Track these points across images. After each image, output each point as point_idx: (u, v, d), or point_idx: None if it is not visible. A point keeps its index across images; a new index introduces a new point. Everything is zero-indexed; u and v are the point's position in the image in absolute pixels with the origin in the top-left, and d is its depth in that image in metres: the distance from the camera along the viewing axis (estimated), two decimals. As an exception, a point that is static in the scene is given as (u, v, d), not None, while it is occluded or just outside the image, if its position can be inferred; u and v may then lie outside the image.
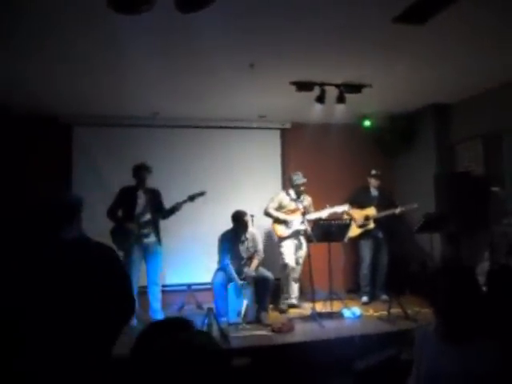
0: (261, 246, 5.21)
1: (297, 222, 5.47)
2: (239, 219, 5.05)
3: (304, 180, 5.51)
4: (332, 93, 5.06)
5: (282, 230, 5.55)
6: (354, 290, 6.26)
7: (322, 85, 4.98)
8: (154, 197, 5.00)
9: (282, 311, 5.41)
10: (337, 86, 5.03)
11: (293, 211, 5.53)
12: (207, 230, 5.67)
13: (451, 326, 1.86)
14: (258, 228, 5.57)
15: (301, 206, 5.39)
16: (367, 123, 6.56)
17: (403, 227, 5.96)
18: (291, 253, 5.53)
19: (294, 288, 5.62)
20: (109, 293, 1.89)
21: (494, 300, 2.42)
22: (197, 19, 3.36)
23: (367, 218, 5.78)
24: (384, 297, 5.70)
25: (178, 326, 1.30)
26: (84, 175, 5.93)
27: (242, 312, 4.83)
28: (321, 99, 5.06)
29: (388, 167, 6.70)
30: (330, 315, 4.88)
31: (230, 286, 4.92)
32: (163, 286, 5.27)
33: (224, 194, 6.07)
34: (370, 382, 2.28)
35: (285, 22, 3.53)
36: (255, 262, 5.06)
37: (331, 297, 4.98)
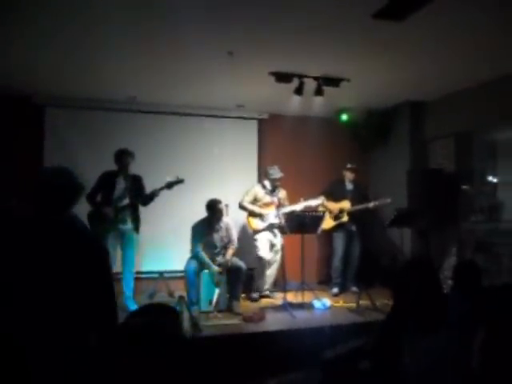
0: (235, 236, 5.22)
1: (271, 216, 5.48)
2: (214, 207, 5.04)
3: (281, 174, 5.52)
4: (310, 85, 5.09)
5: (256, 224, 5.56)
6: (325, 282, 6.34)
7: (300, 76, 5.00)
8: (135, 182, 4.92)
9: (254, 300, 5.45)
10: (315, 78, 5.06)
11: (267, 205, 5.54)
12: (182, 218, 5.61)
13: (418, 318, 1.91)
14: (232, 218, 5.56)
15: (275, 200, 5.42)
16: (344, 117, 6.61)
17: (376, 221, 6.06)
18: (266, 246, 5.55)
19: (268, 279, 5.66)
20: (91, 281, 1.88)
21: (459, 293, 2.51)
22: (176, 5, 3.33)
23: (341, 211, 5.84)
24: (354, 289, 5.81)
25: (162, 312, 1.31)
26: (56, 159, 5.75)
27: (214, 300, 4.84)
28: (299, 91, 5.08)
29: (363, 161, 6.79)
30: (301, 305, 4.94)
31: (203, 275, 4.92)
32: (136, 272, 5.21)
33: (200, 183, 6.01)
34: (337, 370, 2.34)
35: (266, 11, 3.51)
36: (230, 252, 5.07)
37: (303, 287, 5.04)
